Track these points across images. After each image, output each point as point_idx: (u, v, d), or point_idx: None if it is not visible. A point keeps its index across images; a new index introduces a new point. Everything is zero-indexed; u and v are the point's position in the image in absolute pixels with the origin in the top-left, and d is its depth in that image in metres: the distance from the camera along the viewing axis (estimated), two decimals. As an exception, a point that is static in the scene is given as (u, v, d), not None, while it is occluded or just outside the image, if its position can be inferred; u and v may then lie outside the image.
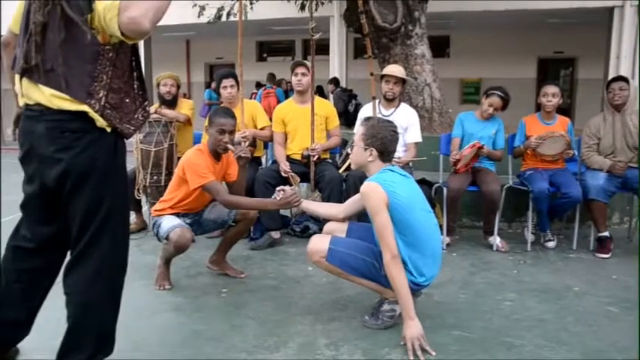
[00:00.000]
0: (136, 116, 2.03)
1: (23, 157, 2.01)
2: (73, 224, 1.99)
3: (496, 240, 4.23)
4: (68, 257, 2.08)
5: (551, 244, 4.28)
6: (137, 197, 4.59)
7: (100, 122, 1.89)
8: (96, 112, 1.87)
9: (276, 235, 4.34)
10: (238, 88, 4.53)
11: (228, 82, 4.50)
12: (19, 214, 2.15)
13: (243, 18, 4.57)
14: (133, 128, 2.03)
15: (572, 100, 14.27)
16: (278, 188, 3.10)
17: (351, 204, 2.99)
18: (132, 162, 4.41)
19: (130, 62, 2.00)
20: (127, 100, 2.00)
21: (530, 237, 4.30)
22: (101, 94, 1.89)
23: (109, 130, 1.93)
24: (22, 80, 1.94)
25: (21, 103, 1.98)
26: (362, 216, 3.13)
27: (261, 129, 4.62)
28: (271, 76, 10.97)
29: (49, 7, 1.85)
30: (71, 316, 2.02)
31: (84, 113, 1.87)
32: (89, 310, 2.02)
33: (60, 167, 1.89)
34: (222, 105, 4.58)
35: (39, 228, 2.11)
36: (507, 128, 4.60)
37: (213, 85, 10.51)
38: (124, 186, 2.12)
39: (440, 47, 13.33)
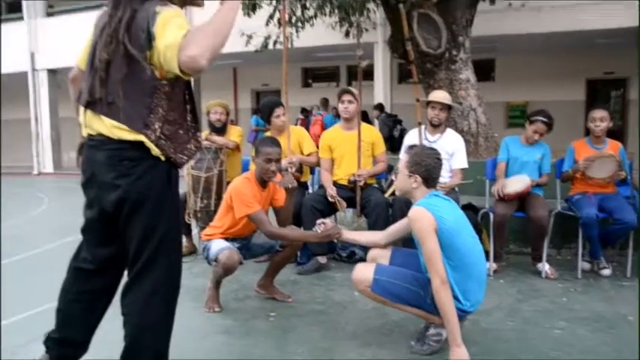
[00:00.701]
0: (188, 146, 2.14)
1: (85, 184, 2.15)
2: (130, 247, 2.09)
3: (545, 267, 4.16)
4: (125, 279, 2.20)
5: (606, 272, 4.15)
6: (187, 221, 4.74)
7: (155, 151, 2.01)
8: (151, 142, 2.00)
9: (322, 260, 4.39)
10: (285, 115, 4.66)
11: (280, 110, 4.60)
12: (77, 237, 2.28)
13: (288, 46, 4.70)
14: (185, 158, 2.14)
15: (624, 122, 13.86)
16: (319, 221, 3.19)
17: (393, 231, 3.03)
18: (183, 187, 4.58)
19: (183, 95, 2.13)
20: (181, 132, 2.12)
21: (581, 264, 4.19)
22: (157, 126, 2.01)
23: (163, 158, 2.04)
24: (86, 112, 2.09)
25: (84, 133, 2.12)
26: (407, 241, 3.16)
27: (308, 155, 4.71)
28: (324, 101, 11.05)
29: (113, 45, 1.99)
30: (128, 335, 2.12)
31: (140, 143, 1.99)
32: (145, 331, 2.12)
33: (118, 193, 2.01)
34: (268, 132, 4.71)
35: (98, 250, 2.24)
36: (556, 152, 4.55)
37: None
38: (177, 212, 2.22)
39: (485, 71, 13.24)
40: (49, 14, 15.51)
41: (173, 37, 1.83)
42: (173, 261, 2.16)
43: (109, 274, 2.28)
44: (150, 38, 1.92)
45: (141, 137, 1.98)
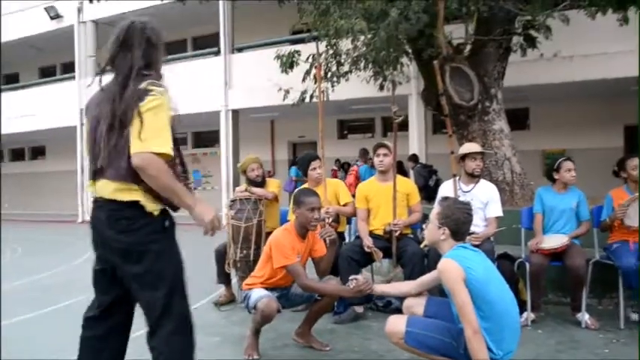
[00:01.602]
0: None
1: (93, 241, 2.39)
2: (142, 297, 2.28)
3: (584, 317, 4.10)
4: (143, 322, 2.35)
5: (647, 325, 4.06)
6: (227, 271, 4.88)
7: (149, 207, 2.24)
8: (145, 191, 2.21)
9: (359, 309, 4.43)
10: (321, 168, 4.83)
11: (316, 163, 4.81)
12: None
13: (324, 99, 4.90)
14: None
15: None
16: (351, 277, 3.28)
17: (424, 281, 3.09)
18: (223, 237, 4.74)
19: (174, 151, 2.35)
20: None
21: (626, 314, 4.11)
22: None
23: (156, 213, 2.26)
24: (94, 183, 2.33)
25: (93, 198, 2.37)
26: (442, 290, 3.20)
27: (344, 205, 4.84)
28: (363, 152, 11.23)
29: (109, 119, 2.24)
30: None
31: (136, 202, 2.22)
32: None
33: (119, 248, 2.24)
34: (306, 184, 4.88)
35: (103, 298, 2.44)
36: (595, 199, 4.54)
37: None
38: (177, 256, 2.37)
39: (519, 119, 13.20)
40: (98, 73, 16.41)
41: (152, 144, 2.15)
42: (184, 300, 2.34)
43: (110, 320, 2.45)
44: (138, 111, 2.18)
45: (135, 197, 2.21)
